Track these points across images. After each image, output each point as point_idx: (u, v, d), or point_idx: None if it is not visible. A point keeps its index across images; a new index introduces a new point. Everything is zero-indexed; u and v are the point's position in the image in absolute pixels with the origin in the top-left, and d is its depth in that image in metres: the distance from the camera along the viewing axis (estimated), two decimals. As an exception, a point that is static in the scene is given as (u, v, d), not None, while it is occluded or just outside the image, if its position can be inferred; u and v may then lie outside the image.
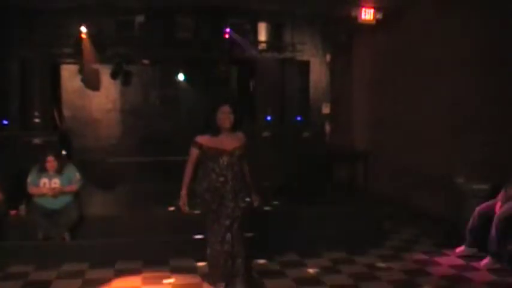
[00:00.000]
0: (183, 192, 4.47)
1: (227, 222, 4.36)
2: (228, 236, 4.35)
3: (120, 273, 5.24)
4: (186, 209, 4.47)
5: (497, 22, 6.35)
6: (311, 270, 5.36)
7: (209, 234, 4.47)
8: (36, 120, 8.68)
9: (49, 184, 5.93)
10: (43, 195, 5.88)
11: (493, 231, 5.31)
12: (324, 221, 6.53)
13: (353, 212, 6.91)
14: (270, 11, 9.43)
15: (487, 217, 5.55)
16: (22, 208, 6.26)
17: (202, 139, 4.41)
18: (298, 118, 9.90)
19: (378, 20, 8.53)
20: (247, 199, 4.61)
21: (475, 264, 5.44)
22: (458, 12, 7.09)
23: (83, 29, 8.62)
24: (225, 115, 4.38)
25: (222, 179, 4.37)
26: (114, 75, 9.99)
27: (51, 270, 5.29)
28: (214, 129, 4.41)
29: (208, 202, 4.40)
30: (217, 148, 4.37)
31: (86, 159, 9.01)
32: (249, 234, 4.92)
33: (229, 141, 4.42)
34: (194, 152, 4.43)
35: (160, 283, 4.98)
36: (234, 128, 4.46)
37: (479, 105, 6.67)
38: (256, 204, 4.67)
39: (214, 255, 4.41)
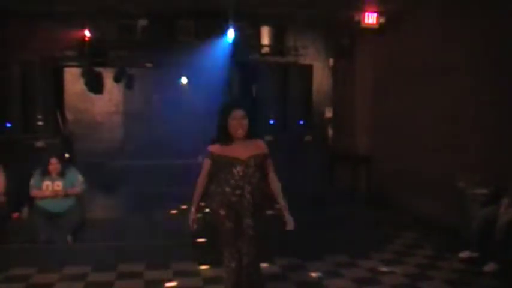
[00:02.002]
0: (193, 209, 3.95)
1: (244, 249, 3.80)
2: (244, 262, 3.81)
3: (122, 276, 5.23)
4: (194, 227, 3.97)
5: (499, 24, 6.34)
6: (313, 274, 5.34)
7: (225, 256, 3.88)
8: (39, 123, 8.72)
9: (52, 187, 5.93)
10: (45, 198, 5.89)
11: (497, 235, 5.29)
12: (326, 224, 6.52)
13: (355, 215, 6.90)
14: (272, 15, 9.45)
15: (490, 221, 5.52)
16: (24, 211, 6.28)
17: (213, 147, 3.85)
18: (301, 122, 9.90)
19: (380, 24, 8.53)
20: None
21: (478, 268, 5.40)
22: (461, 15, 7.08)
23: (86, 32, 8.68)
24: (237, 121, 3.76)
25: (238, 191, 3.74)
26: (117, 79, 10.01)
27: (53, 273, 5.28)
28: (225, 138, 3.82)
29: (224, 218, 3.80)
30: (229, 156, 3.77)
31: (88, 162, 9.02)
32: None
33: (244, 149, 3.80)
34: (207, 162, 3.89)
35: (162, 286, 4.97)
36: (250, 134, 3.86)
37: (480, 108, 6.66)
38: (289, 228, 3.95)
39: (230, 280, 3.87)
